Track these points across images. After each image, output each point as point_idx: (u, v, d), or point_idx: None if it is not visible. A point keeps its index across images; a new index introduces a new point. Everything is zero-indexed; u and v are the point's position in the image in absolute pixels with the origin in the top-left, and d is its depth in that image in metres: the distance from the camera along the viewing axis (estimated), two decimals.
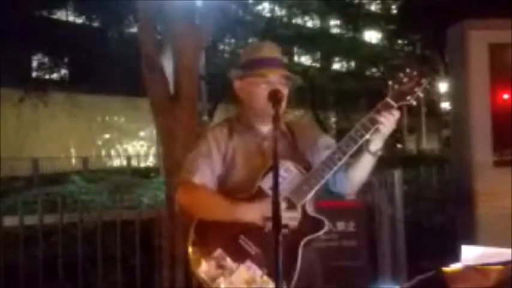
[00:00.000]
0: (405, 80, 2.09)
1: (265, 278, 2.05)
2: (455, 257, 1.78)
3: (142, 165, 21.97)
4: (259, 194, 2.10)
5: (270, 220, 2.00)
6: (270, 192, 2.07)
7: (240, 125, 2.26)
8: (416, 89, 2.09)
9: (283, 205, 1.98)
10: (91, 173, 13.83)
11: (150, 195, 7.89)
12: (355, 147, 2.07)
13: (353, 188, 2.28)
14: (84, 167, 18.99)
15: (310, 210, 2.13)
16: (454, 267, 1.73)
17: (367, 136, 2.08)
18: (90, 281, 4.14)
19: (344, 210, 4.04)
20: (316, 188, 2.09)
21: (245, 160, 2.20)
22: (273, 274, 2.00)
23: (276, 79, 2.18)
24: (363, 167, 2.18)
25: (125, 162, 21.36)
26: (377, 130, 2.07)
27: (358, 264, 4.03)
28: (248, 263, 2.06)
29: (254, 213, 2.06)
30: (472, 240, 3.79)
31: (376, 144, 2.12)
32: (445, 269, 1.72)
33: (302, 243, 2.07)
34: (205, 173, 2.18)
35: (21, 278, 3.94)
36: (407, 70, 2.11)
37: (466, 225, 4.14)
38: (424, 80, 2.09)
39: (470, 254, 1.76)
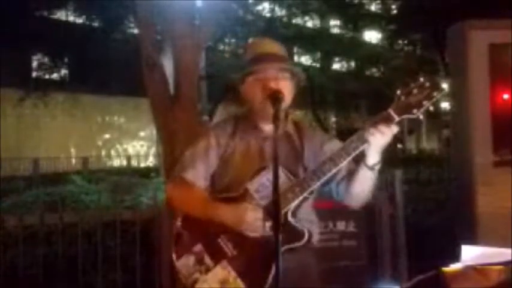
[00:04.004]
0: (415, 91, 1.88)
1: (238, 280, 2.03)
2: (455, 257, 1.78)
3: (142, 165, 21.95)
4: (245, 196, 2.07)
5: (247, 227, 2.00)
6: (255, 195, 2.06)
7: (244, 124, 2.21)
8: (424, 102, 1.87)
9: (264, 213, 1.96)
10: (91, 173, 13.80)
11: (150, 195, 7.87)
12: (347, 159, 1.97)
13: (354, 201, 2.14)
14: (84, 167, 18.95)
15: (293, 219, 2.03)
16: (454, 267, 1.73)
17: (361, 149, 1.95)
18: (90, 280, 4.14)
19: (344, 210, 4.02)
20: (301, 197, 2.00)
21: (242, 160, 2.15)
22: (246, 277, 2.01)
23: (273, 74, 2.09)
24: (361, 182, 2.05)
25: (124, 162, 21.35)
26: (370, 143, 1.94)
27: (358, 264, 4.03)
28: (224, 263, 2.05)
29: (231, 216, 2.03)
30: (472, 240, 3.78)
31: (373, 157, 1.98)
32: (445, 269, 1.72)
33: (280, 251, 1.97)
34: (198, 170, 2.16)
35: (21, 278, 3.93)
36: (421, 79, 1.88)
37: (466, 225, 4.14)
38: (436, 93, 1.87)
39: (470, 254, 1.76)
